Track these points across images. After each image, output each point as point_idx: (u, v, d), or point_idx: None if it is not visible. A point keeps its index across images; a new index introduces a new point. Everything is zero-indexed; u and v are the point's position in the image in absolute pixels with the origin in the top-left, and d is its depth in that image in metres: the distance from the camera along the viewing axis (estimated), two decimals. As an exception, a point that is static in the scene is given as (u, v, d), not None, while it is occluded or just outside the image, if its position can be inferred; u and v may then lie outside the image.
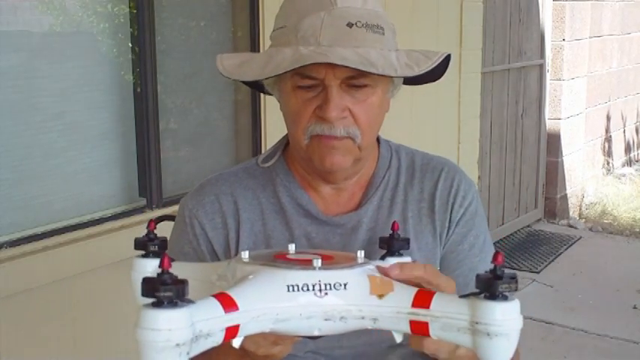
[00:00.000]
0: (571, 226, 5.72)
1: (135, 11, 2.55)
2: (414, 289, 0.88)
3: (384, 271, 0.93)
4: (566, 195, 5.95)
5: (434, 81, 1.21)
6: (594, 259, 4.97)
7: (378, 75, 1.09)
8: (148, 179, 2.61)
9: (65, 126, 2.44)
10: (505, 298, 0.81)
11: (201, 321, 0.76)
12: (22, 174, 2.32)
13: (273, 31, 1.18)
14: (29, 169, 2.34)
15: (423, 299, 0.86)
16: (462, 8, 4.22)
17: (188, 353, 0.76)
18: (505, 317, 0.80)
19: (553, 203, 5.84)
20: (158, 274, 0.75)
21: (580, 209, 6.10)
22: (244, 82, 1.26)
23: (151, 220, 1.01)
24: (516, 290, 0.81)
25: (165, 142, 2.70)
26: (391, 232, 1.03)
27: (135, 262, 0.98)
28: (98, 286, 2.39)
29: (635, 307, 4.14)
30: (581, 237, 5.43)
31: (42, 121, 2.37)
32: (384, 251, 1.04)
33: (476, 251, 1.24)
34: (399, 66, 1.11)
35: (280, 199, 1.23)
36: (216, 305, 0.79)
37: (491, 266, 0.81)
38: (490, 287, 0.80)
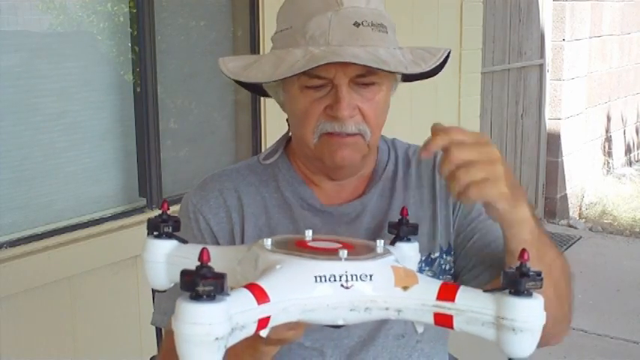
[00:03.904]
0: (571, 226, 5.72)
1: (135, 11, 2.55)
2: (438, 282, 0.89)
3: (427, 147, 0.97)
4: (566, 195, 5.95)
5: (431, 77, 1.22)
6: (594, 259, 4.97)
7: (386, 73, 1.12)
8: (148, 179, 2.60)
9: (65, 126, 2.44)
10: (530, 295, 0.82)
11: (237, 314, 0.77)
12: (22, 174, 2.32)
13: (276, 33, 1.19)
14: (29, 169, 2.34)
15: (447, 292, 0.87)
16: (462, 8, 4.22)
17: (225, 346, 0.76)
18: (530, 313, 0.82)
19: (553, 203, 5.84)
20: (197, 268, 0.75)
21: (580, 209, 6.10)
22: (242, 85, 1.26)
23: (164, 201, 1.00)
24: (541, 287, 0.83)
25: (165, 142, 2.70)
26: (400, 217, 1.04)
27: (147, 242, 0.97)
28: (98, 286, 2.39)
29: None
30: (581, 237, 5.43)
31: (42, 121, 2.37)
32: (392, 237, 1.05)
33: (485, 215, 1.26)
34: (407, 63, 1.14)
35: (283, 193, 1.25)
36: (249, 297, 0.80)
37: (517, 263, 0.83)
38: (516, 284, 0.82)
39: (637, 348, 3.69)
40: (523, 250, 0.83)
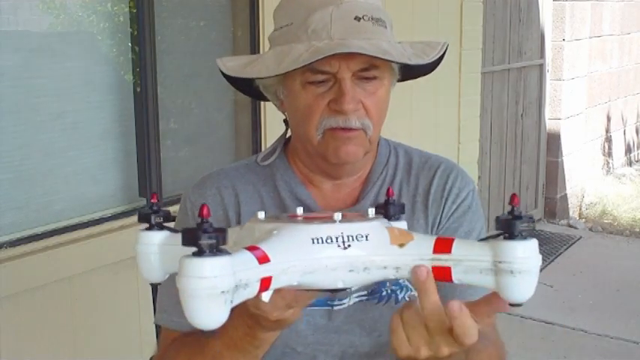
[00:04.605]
0: (571, 226, 5.72)
1: (135, 11, 2.55)
2: (433, 237, 0.90)
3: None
4: (566, 195, 5.95)
5: (428, 73, 1.23)
6: (594, 259, 4.97)
7: (387, 67, 1.13)
8: (148, 179, 2.61)
9: (65, 126, 2.44)
10: (524, 237, 0.84)
11: (240, 271, 0.78)
12: (22, 174, 2.32)
13: (275, 31, 1.19)
14: (29, 169, 2.34)
15: (443, 245, 0.88)
16: (462, 8, 4.22)
17: (232, 302, 0.76)
18: (527, 254, 0.84)
19: (553, 203, 5.85)
20: (198, 224, 0.75)
21: (580, 209, 6.10)
22: (237, 88, 1.26)
23: (153, 193, 1.00)
24: (534, 230, 0.84)
25: (165, 142, 2.70)
26: (386, 198, 1.04)
27: (140, 235, 0.97)
28: (98, 286, 2.39)
29: None
30: (581, 237, 5.43)
31: (42, 121, 2.37)
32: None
33: None
34: (409, 55, 1.15)
35: (280, 193, 1.25)
36: (250, 257, 0.80)
37: (509, 208, 0.85)
38: (510, 227, 0.83)
39: (637, 348, 3.69)
40: (514, 195, 0.85)
